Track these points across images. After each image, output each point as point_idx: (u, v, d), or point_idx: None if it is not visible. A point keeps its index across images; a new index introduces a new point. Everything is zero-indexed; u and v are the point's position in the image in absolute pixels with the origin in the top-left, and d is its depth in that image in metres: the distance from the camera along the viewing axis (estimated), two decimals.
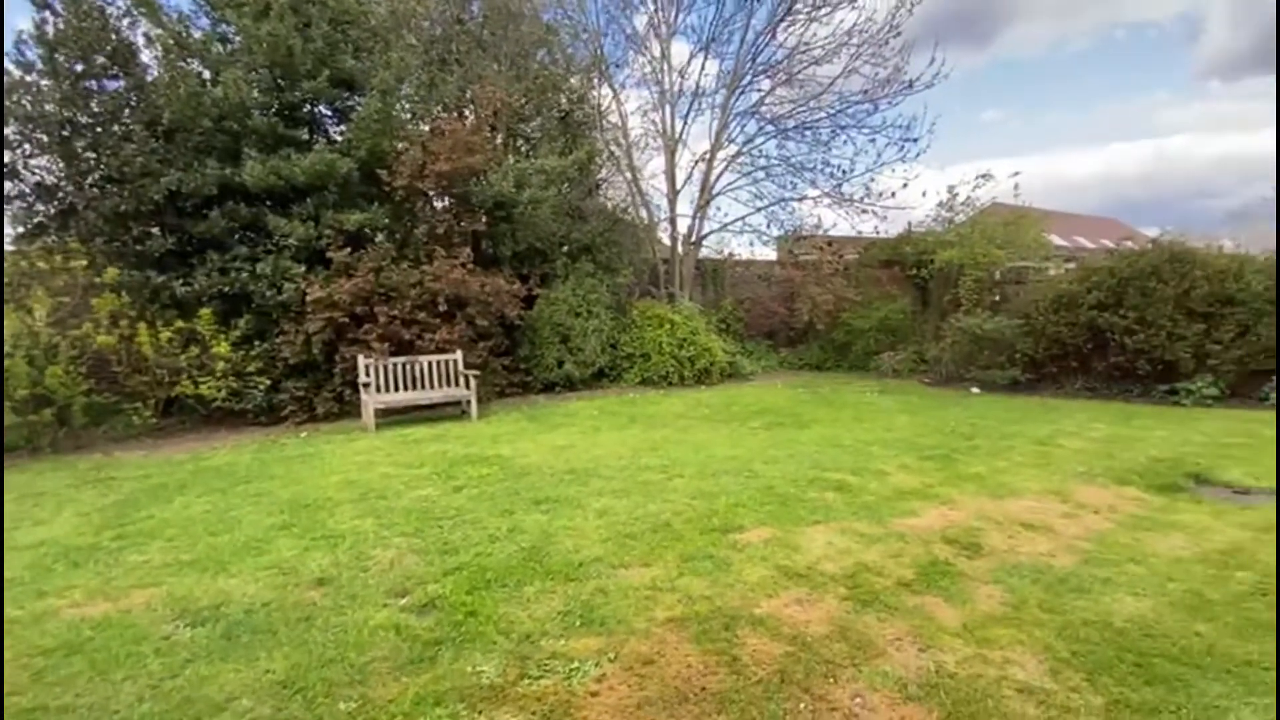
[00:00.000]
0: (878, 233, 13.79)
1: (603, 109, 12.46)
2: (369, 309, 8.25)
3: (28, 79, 7.28)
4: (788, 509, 4.31)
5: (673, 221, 13.55)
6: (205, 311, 7.55)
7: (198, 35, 8.18)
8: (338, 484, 5.18)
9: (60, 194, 7.63)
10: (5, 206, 7.44)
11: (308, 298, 7.85)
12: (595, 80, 12.37)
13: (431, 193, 8.97)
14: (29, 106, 7.16)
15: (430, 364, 8.44)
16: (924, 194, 16.09)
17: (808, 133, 13.26)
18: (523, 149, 10.95)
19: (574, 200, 10.78)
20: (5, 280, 6.78)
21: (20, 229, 7.54)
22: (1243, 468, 5.17)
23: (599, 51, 12.38)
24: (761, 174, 13.84)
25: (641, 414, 8.32)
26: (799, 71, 12.89)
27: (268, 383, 7.96)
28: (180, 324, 7.51)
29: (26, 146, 7.37)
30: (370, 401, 7.68)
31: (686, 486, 4.87)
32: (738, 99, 13.28)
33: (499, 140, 10.20)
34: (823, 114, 13.04)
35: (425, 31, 10.25)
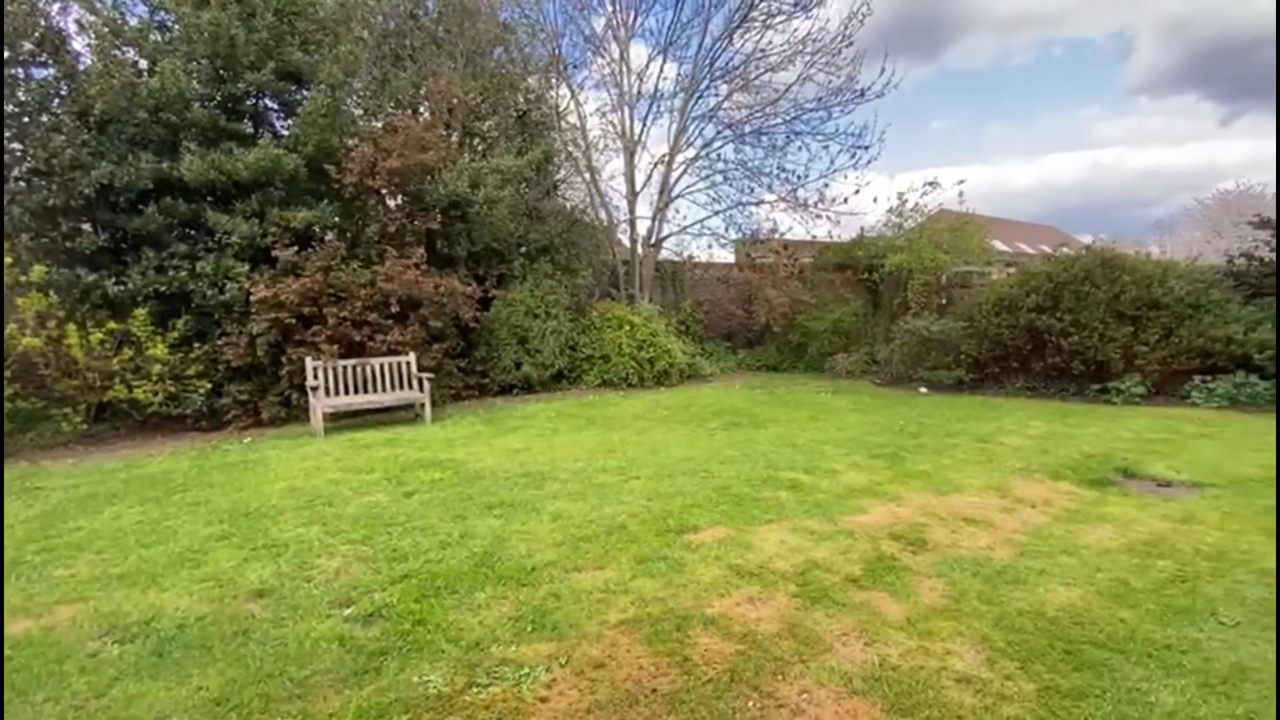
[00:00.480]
0: (831, 237, 14.13)
1: (561, 109, 12.41)
2: (318, 310, 8.01)
3: None
4: (742, 509, 4.36)
5: (632, 223, 13.60)
6: (140, 312, 7.20)
7: (133, 23, 7.80)
8: (282, 491, 5.00)
9: None
10: None
11: (252, 298, 7.57)
12: (553, 80, 12.31)
13: (384, 191, 8.77)
14: None
15: (382, 366, 8.24)
16: (875, 200, 16.60)
17: (764, 138, 13.49)
18: (479, 148, 10.80)
19: (531, 200, 10.70)
20: None
21: None
22: (1165, 462, 5.48)
23: (557, 51, 12.32)
24: (719, 178, 14.02)
25: (600, 416, 8.30)
26: (756, 78, 13.11)
27: (209, 386, 7.64)
28: (113, 325, 7.14)
29: None
30: (319, 405, 7.44)
31: (643, 488, 4.88)
32: (696, 103, 13.42)
33: (454, 139, 10.04)
34: (779, 120, 13.29)
35: (377, 25, 10.01)
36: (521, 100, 11.27)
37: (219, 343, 7.74)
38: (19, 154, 7.15)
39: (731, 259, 15.55)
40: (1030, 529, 3.98)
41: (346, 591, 3.18)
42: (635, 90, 13.20)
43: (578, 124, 12.65)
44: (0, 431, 5.62)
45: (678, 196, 13.84)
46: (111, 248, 7.48)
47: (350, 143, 8.43)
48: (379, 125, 9.04)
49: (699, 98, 13.41)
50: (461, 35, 10.48)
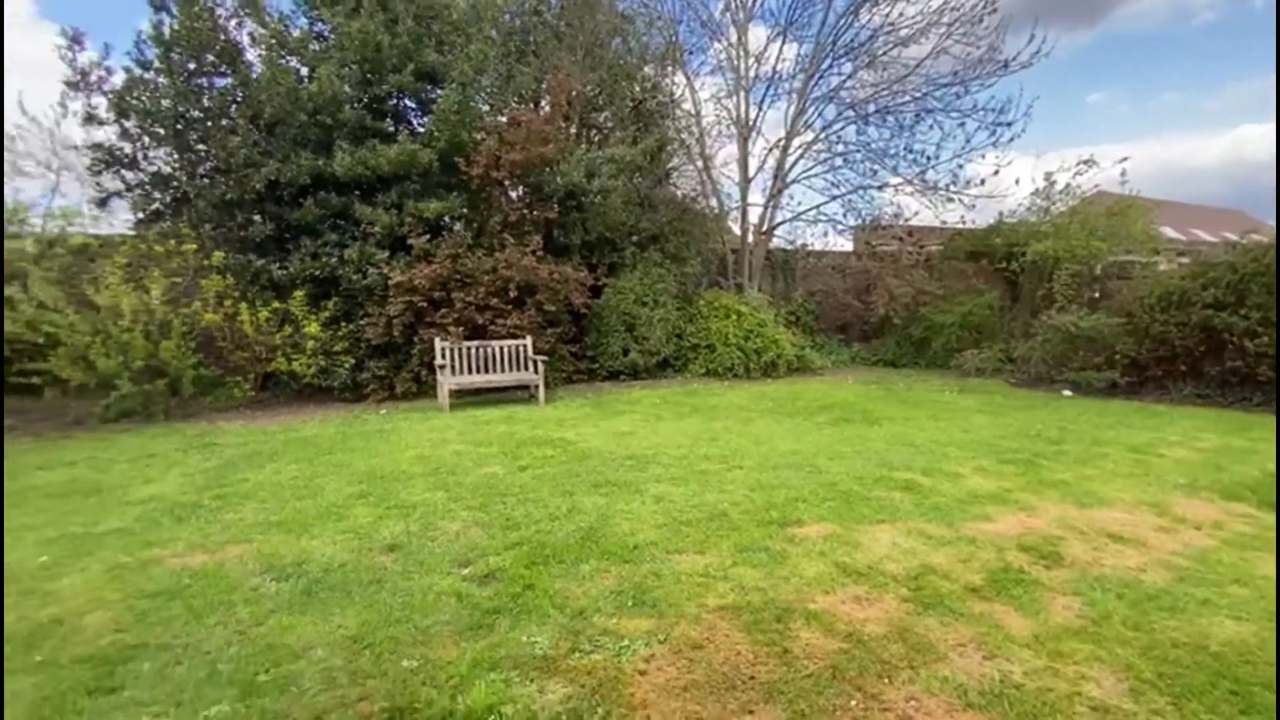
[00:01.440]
0: (964, 222, 13.07)
1: (675, 97, 12.39)
2: (446, 294, 8.60)
3: (146, 76, 8.00)
4: (851, 506, 4.18)
5: (743, 211, 13.34)
6: (298, 293, 8.09)
7: (296, 34, 8.73)
8: (412, 459, 5.45)
9: (174, 183, 8.37)
10: (127, 194, 8.23)
11: (390, 282, 8.27)
12: (669, 68, 12.30)
13: (506, 182, 9.22)
14: (147, 102, 7.86)
15: (501, 349, 8.71)
16: (1017, 181, 15.02)
17: (890, 117, 12.70)
18: (594, 138, 11.06)
19: (644, 189, 10.80)
20: (126, 262, 7.49)
21: (139, 215, 8.33)
22: None
23: (674, 39, 12.29)
24: (839, 161, 13.40)
25: (704, 404, 8.28)
26: (883, 53, 12.35)
27: (352, 362, 8.45)
28: (276, 304, 8.07)
29: (145, 139, 8.12)
30: (445, 383, 8.01)
31: (745, 478, 4.82)
32: (817, 83, 12.89)
33: (571, 130, 10.34)
34: (907, 97, 12.45)
35: (504, 24, 10.50)
36: (637, 90, 11.39)
37: (361, 322, 8.53)
38: (204, 154, 8.25)
39: (849, 247, 14.85)
40: (1193, 553, 3.49)
41: (465, 553, 3.42)
42: (752, 74, 12.91)
43: (692, 111, 12.59)
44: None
45: (793, 182, 13.43)
46: (276, 236, 8.45)
47: (477, 137, 8.93)
48: (503, 119, 9.51)
49: (820, 78, 12.88)
50: (581, 28, 10.74)
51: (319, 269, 8.27)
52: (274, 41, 8.43)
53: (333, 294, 8.45)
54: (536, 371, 8.49)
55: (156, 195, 8.38)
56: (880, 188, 13.30)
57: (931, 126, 12.48)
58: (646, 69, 11.71)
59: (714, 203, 13.09)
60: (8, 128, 8.23)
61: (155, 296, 7.40)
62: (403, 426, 6.91)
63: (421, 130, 9.10)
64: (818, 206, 13.79)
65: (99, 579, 3.15)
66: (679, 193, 12.28)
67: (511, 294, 8.83)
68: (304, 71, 8.58)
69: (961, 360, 11.39)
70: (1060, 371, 9.94)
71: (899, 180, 12.99)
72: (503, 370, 8.69)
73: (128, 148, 8.13)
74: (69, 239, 7.76)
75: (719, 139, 13.41)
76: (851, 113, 13.00)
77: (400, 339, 8.61)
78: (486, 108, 9.91)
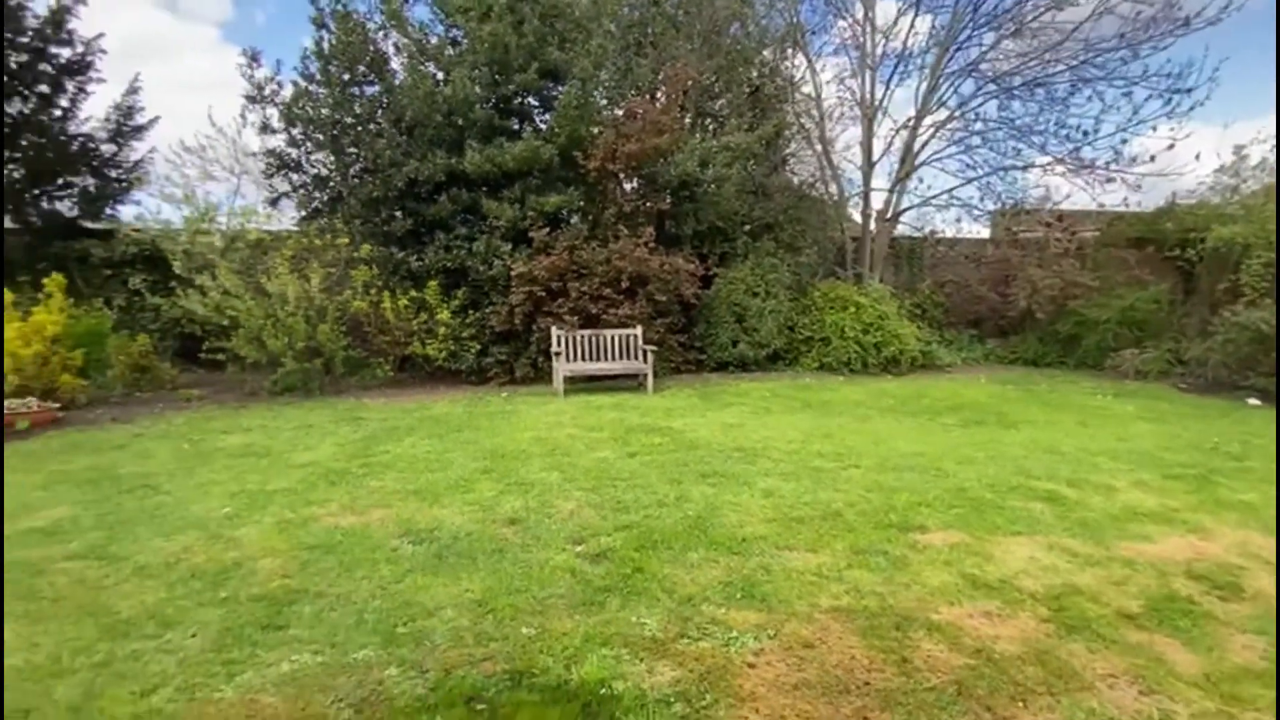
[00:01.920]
0: (1127, 205, 11.59)
1: (795, 80, 11.97)
2: (563, 284, 8.94)
3: (309, 88, 8.95)
4: (981, 515, 3.88)
5: (865, 196, 12.66)
6: (432, 284, 8.76)
7: (434, 40, 9.38)
8: (530, 439, 5.74)
9: (331, 184, 9.32)
10: (293, 194, 9.29)
11: (513, 273, 8.72)
12: (789, 50, 11.89)
13: (621, 174, 9.38)
14: (310, 111, 8.79)
15: (613, 337, 8.92)
16: (1197, 157, 12.88)
17: (1039, 90, 11.49)
18: (709, 126, 10.95)
19: (758, 177, 10.55)
20: (291, 254, 8.46)
21: (302, 213, 9.38)
22: None
23: (795, 19, 11.85)
24: (977, 140, 12.30)
25: (816, 399, 8.00)
26: (1032, 19, 11.17)
27: (478, 347, 9.03)
28: (413, 293, 8.78)
29: (308, 144, 9.10)
30: (560, 369, 8.35)
31: (862, 478, 4.61)
32: (952, 57, 11.92)
33: (686, 119, 10.31)
34: (1061, 66, 11.18)
35: (623, 17, 10.64)
36: (755, 75, 11.12)
37: (486, 311, 9.08)
38: (354, 156, 9.11)
39: (985, 233, 13.65)
40: None
41: (578, 531, 3.56)
42: (879, 51, 12.17)
43: (812, 94, 12.10)
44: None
45: (922, 164, 12.53)
46: (414, 230, 9.17)
47: (595, 131, 9.15)
48: (619, 113, 9.66)
49: (957, 50, 11.89)
50: (699, 15, 10.65)
51: (450, 260, 8.88)
52: (414, 49, 9.11)
53: (462, 284, 9.04)
54: (646, 361, 8.61)
55: (316, 194, 9.38)
56: (1025, 168, 12.11)
57: (1090, 98, 11.16)
58: (765, 53, 11.40)
59: (833, 189, 12.53)
60: (199, 139, 9.58)
61: (314, 285, 8.30)
62: (522, 409, 7.29)
63: (543, 127, 9.47)
64: (950, 190, 12.80)
65: (270, 530, 3.62)
66: (795, 179, 11.88)
67: (624, 285, 9.00)
68: (440, 76, 9.21)
69: (1119, 360, 10.15)
70: (1245, 376, 8.57)
71: (1047, 159, 11.75)
72: (614, 359, 8.89)
73: (294, 153, 9.17)
74: (248, 234, 8.89)
75: (840, 122, 12.80)
76: (993, 86, 11.89)
77: (520, 327, 9.07)
78: (604, 101, 10.12)
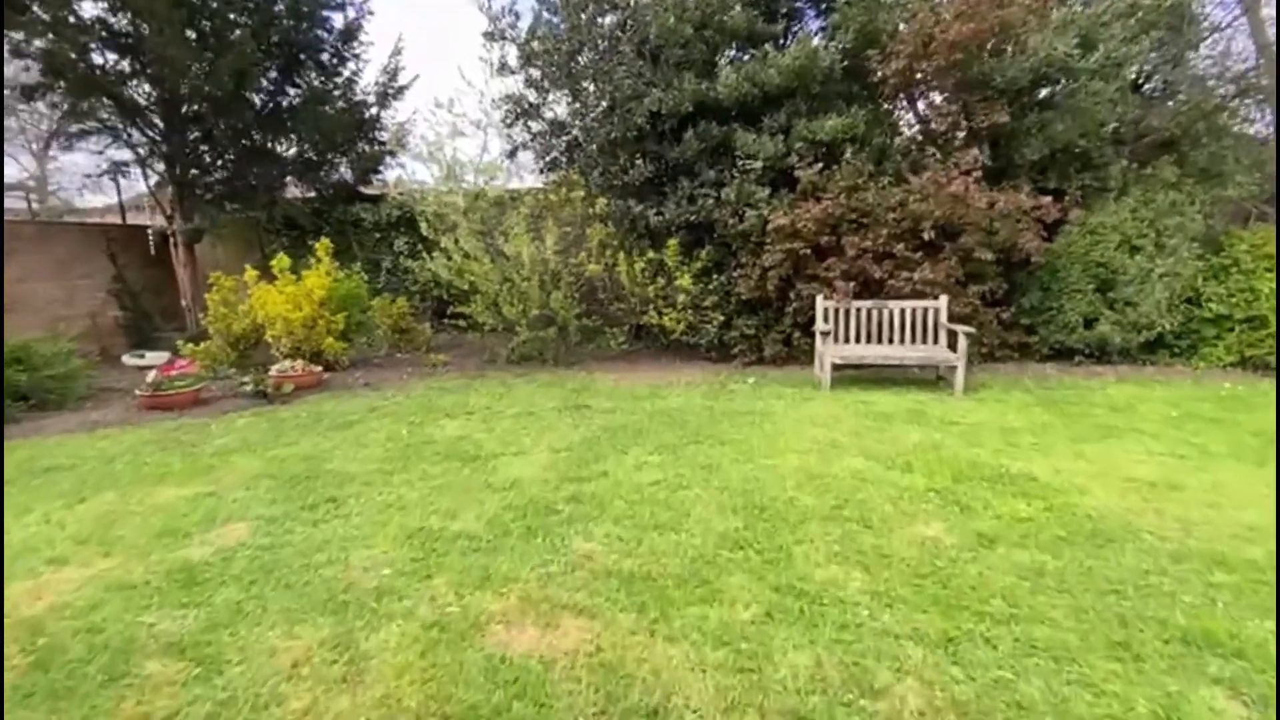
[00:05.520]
0: None
1: None
2: (835, 239, 6.80)
3: (546, 15, 7.90)
4: None
5: None
6: (672, 242, 7.31)
7: None
8: (795, 470, 3.95)
9: (568, 130, 8.30)
10: (530, 144, 8.49)
11: (769, 226, 6.84)
12: None
13: (932, 80, 6.71)
14: (549, 44, 7.75)
15: (901, 312, 6.57)
16: None
17: None
18: None
19: (1157, 64, 6.89)
20: (528, 213, 7.67)
21: (540, 163, 8.56)
22: None
23: None
24: None
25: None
26: None
27: (721, 319, 7.45)
28: (650, 255, 7.46)
29: (545, 83, 8.14)
30: (827, 353, 6.30)
31: None
32: None
33: None
34: None
35: None
36: None
37: (734, 275, 7.41)
38: (593, 94, 7.89)
39: None
40: None
41: None
42: None
43: None
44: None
45: None
46: (654, 178, 7.76)
47: (897, 24, 6.60)
48: None
49: None
50: None
51: (695, 213, 7.30)
52: None
53: (705, 242, 7.46)
54: (954, 347, 6.10)
55: (554, 142, 8.47)
56: None
57: None
58: None
59: (1269, 82, 8.00)
60: (451, 94, 9.24)
61: (549, 246, 7.43)
62: (776, 409, 5.50)
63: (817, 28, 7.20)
64: None
65: (404, 644, 2.41)
66: (1215, 70, 7.73)
67: (925, 236, 6.50)
68: None
69: None
70: None
71: None
72: (902, 341, 6.56)
73: (531, 95, 8.31)
74: (489, 192, 8.35)
75: None
76: None
77: (773, 294, 7.20)
78: None
